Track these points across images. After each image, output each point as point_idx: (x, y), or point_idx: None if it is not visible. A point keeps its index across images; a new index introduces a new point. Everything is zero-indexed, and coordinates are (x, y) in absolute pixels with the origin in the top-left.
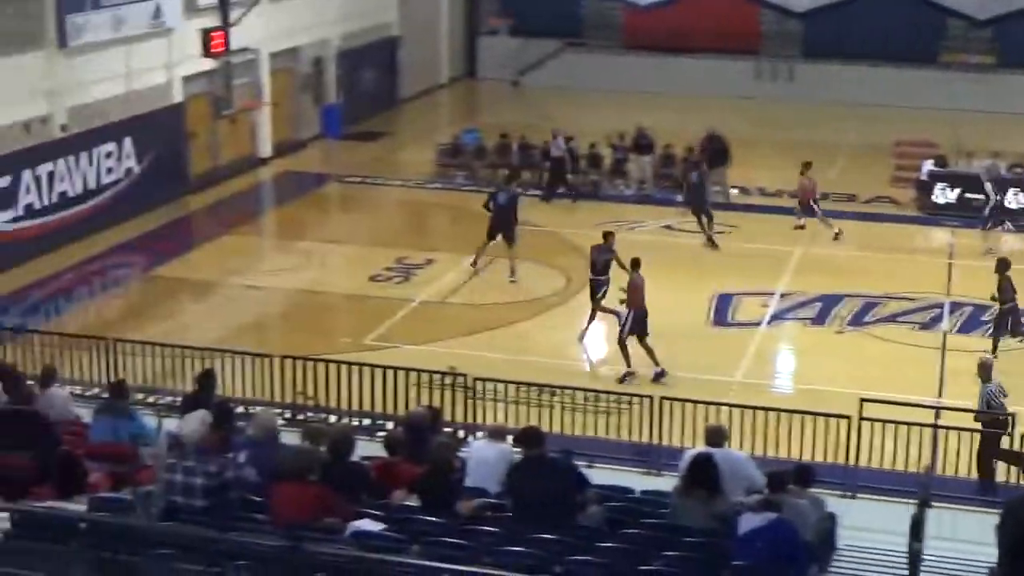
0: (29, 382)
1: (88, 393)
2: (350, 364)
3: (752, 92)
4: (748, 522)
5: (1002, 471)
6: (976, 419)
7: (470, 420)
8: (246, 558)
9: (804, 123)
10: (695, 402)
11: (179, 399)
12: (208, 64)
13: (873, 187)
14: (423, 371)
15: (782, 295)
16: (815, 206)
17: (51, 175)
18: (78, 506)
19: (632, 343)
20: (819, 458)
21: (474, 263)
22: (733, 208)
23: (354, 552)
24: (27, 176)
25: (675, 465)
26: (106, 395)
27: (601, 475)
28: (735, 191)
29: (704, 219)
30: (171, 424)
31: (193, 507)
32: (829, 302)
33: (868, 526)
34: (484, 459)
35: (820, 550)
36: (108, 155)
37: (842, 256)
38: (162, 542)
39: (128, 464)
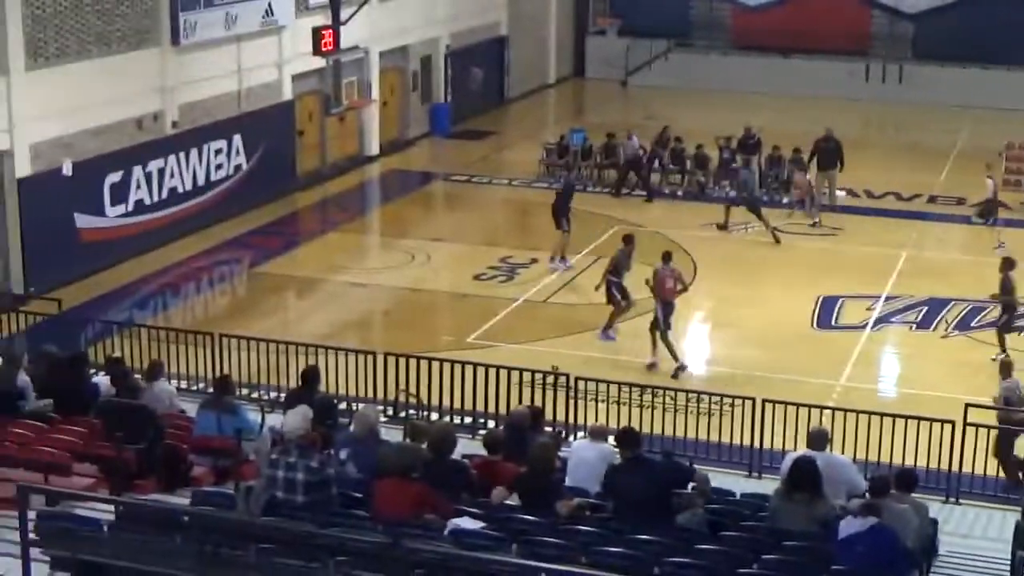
0: (136, 376)
1: (193, 388)
2: (452, 362)
3: (861, 94)
4: (849, 526)
5: None
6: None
7: (571, 420)
8: (346, 554)
9: (913, 125)
10: (797, 405)
11: (283, 395)
12: (318, 62)
13: (983, 190)
14: (525, 370)
15: (887, 298)
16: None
17: (161, 171)
18: (181, 499)
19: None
20: (922, 463)
21: (561, 259)
22: (840, 210)
23: (452, 550)
24: (138, 172)
25: (776, 468)
26: (211, 390)
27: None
28: (842, 193)
29: (759, 216)
30: (274, 419)
31: (294, 503)
32: (935, 306)
33: (971, 532)
34: (584, 459)
35: (921, 556)
36: (218, 152)
37: (949, 260)
38: (263, 537)
39: (231, 459)
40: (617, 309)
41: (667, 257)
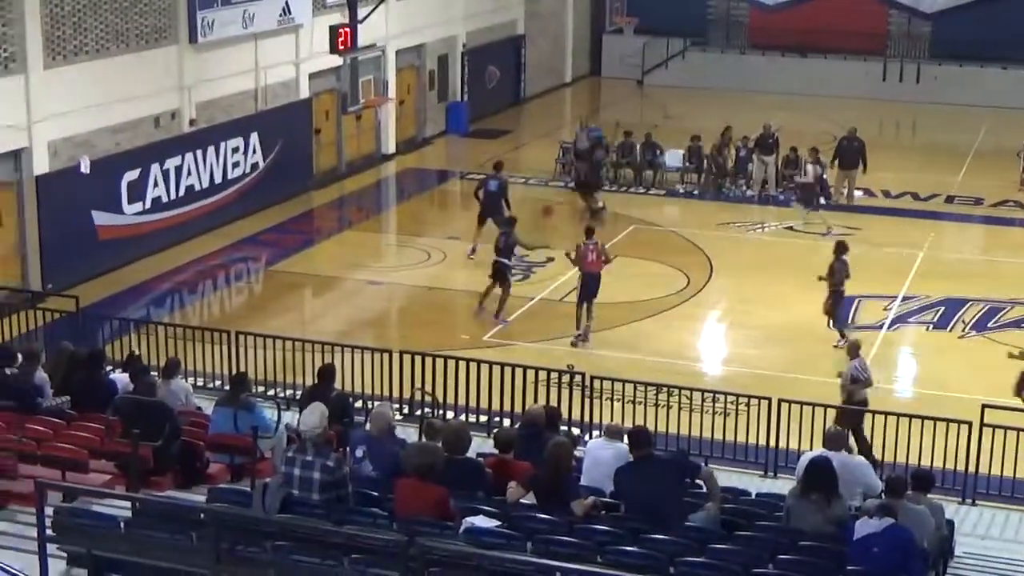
0: (153, 373)
1: (210, 385)
2: (468, 360)
3: (879, 93)
4: (864, 527)
5: None
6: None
7: (587, 419)
8: (360, 552)
9: (931, 125)
10: (814, 405)
11: (299, 392)
12: (335, 61)
13: (1001, 191)
14: (541, 369)
15: (905, 298)
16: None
17: (179, 169)
18: (197, 496)
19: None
20: (938, 464)
21: (472, 252)
22: (857, 210)
23: (468, 548)
24: (155, 169)
25: (792, 468)
26: (227, 387)
27: (717, 476)
28: (859, 193)
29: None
30: (290, 417)
31: (309, 501)
32: (952, 306)
33: (987, 534)
34: (600, 458)
35: (937, 557)
36: (235, 150)
37: (967, 260)
38: (279, 534)
39: (247, 456)
40: (505, 292)
41: (589, 232)
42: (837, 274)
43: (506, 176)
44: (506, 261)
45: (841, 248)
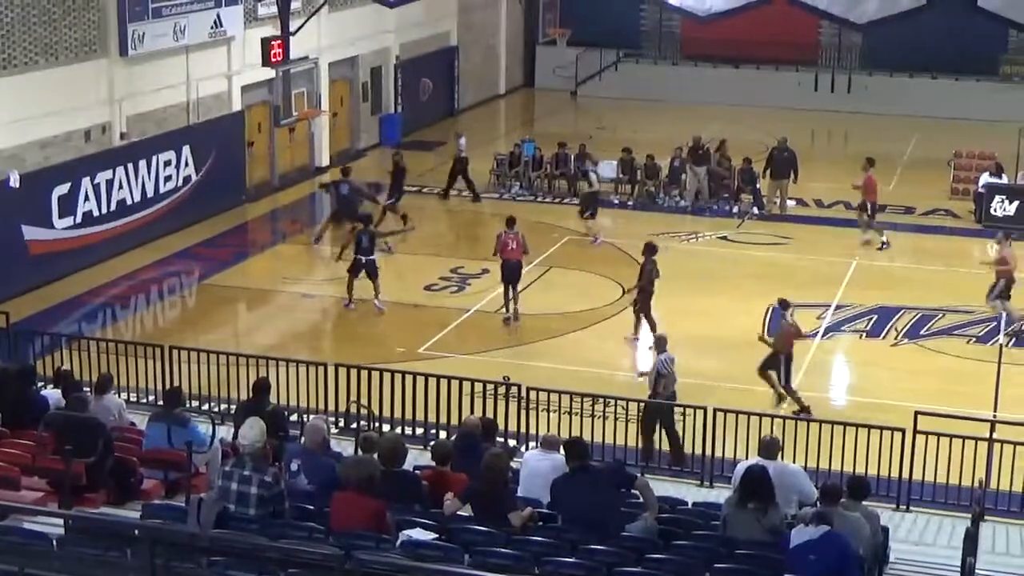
0: (85, 388)
1: (143, 400)
2: (404, 373)
3: (810, 104)
4: (800, 535)
5: None
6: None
7: (523, 430)
8: (298, 566)
9: (862, 135)
10: (749, 413)
11: (233, 407)
12: (267, 73)
13: (931, 200)
14: (477, 381)
15: (838, 307)
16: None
17: (110, 183)
18: (131, 512)
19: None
20: (873, 471)
21: (318, 238)
22: (789, 220)
23: (405, 561)
24: (86, 184)
25: (728, 477)
26: (161, 402)
27: (653, 487)
28: (792, 203)
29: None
30: (224, 432)
31: (246, 515)
32: (885, 314)
33: (921, 540)
34: (537, 470)
35: (872, 563)
36: (167, 163)
37: (899, 269)
38: (215, 550)
39: (182, 471)
40: (376, 282)
41: (511, 222)
42: (647, 275)
43: (357, 181)
44: (371, 258)
45: (650, 249)
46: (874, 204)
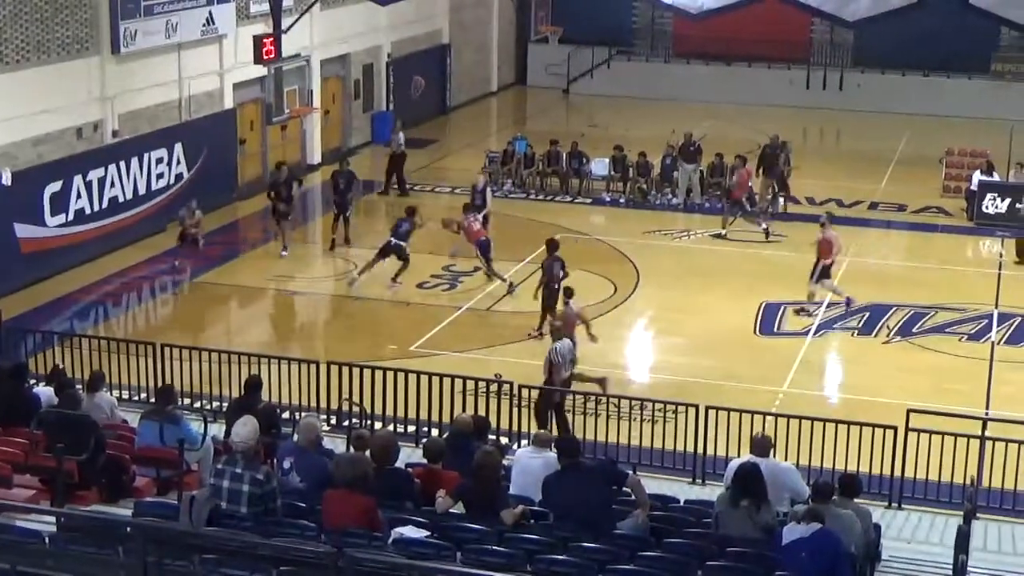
0: (77, 386)
1: (135, 398)
2: (396, 371)
3: (802, 101)
4: (792, 532)
5: None
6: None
7: (515, 428)
8: (290, 564)
9: (854, 133)
10: (741, 411)
11: (225, 404)
12: (259, 71)
13: (923, 197)
14: (469, 378)
15: (829, 305)
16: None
17: (102, 180)
18: (124, 510)
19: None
20: (865, 469)
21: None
22: (782, 217)
23: (397, 559)
24: (78, 181)
25: (720, 475)
26: (153, 400)
27: (645, 484)
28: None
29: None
30: (216, 429)
31: (238, 513)
32: (877, 312)
33: (913, 537)
34: (528, 467)
35: (864, 561)
36: (159, 161)
37: (891, 266)
38: (207, 547)
39: (174, 469)
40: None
41: (467, 208)
42: (548, 271)
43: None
44: (403, 244)
45: (552, 246)
46: (827, 267)
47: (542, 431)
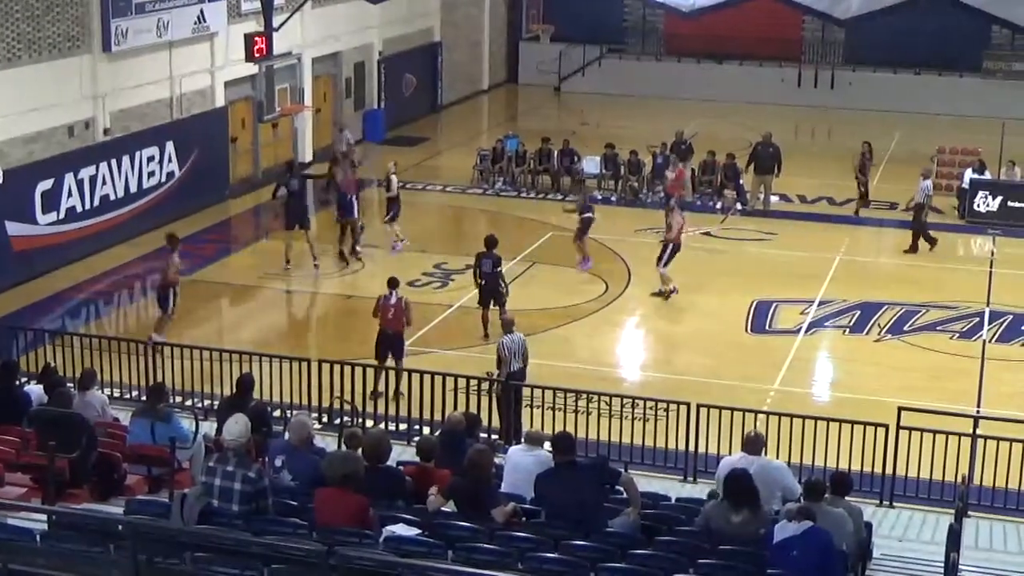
0: (68, 384)
1: (127, 396)
2: (387, 369)
3: (793, 99)
4: (783, 530)
5: None
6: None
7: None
8: (281, 562)
9: (845, 130)
10: (732, 409)
11: (216, 403)
12: (251, 69)
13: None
14: (460, 376)
15: (821, 303)
16: None
17: (93, 178)
18: (115, 508)
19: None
20: (856, 467)
21: (287, 263)
22: (773, 216)
23: (388, 557)
24: (69, 179)
25: (711, 472)
26: (144, 398)
27: (637, 481)
28: (775, 199)
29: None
30: (208, 427)
31: (229, 511)
32: (868, 310)
33: (905, 535)
34: (520, 465)
35: (856, 559)
36: (150, 159)
37: (882, 264)
38: (198, 545)
39: (165, 467)
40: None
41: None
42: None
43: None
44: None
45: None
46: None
47: (534, 430)
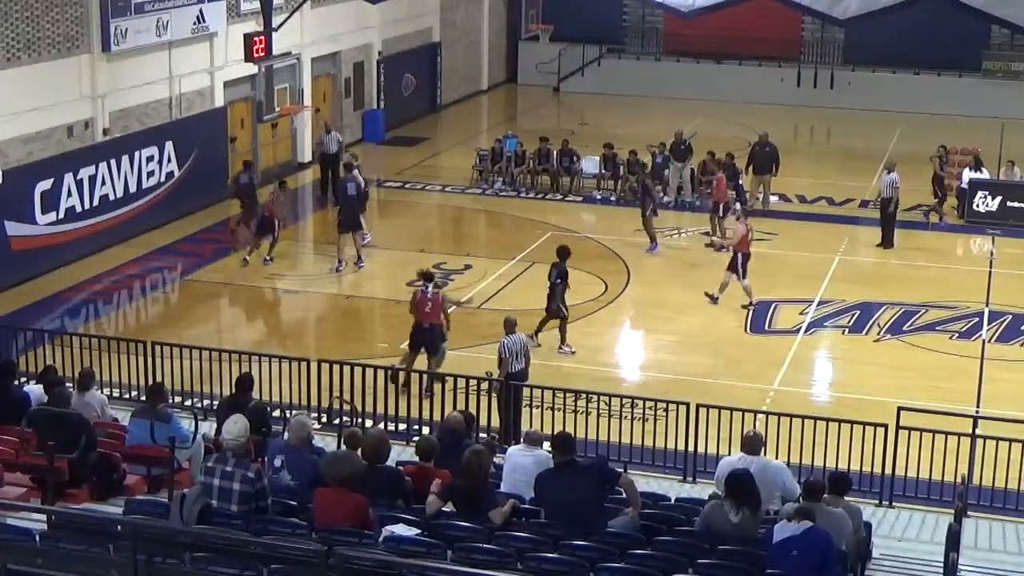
0: (68, 384)
1: (126, 396)
2: (386, 369)
3: (793, 99)
4: (783, 530)
5: None
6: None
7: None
8: (281, 562)
9: (845, 130)
10: (731, 409)
11: (216, 403)
12: (250, 69)
13: (914, 195)
14: (459, 376)
15: (820, 303)
16: None
17: (93, 179)
18: (114, 508)
19: None
20: (855, 467)
21: (248, 255)
22: (773, 215)
23: (388, 557)
24: (69, 179)
25: (711, 472)
26: (143, 398)
27: (637, 482)
28: (775, 199)
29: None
30: (207, 427)
31: (228, 511)
32: (868, 310)
33: (904, 535)
34: (520, 465)
35: (855, 559)
36: (149, 159)
37: (882, 264)
38: (197, 545)
39: (164, 467)
40: None
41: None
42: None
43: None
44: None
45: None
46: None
47: (533, 430)
